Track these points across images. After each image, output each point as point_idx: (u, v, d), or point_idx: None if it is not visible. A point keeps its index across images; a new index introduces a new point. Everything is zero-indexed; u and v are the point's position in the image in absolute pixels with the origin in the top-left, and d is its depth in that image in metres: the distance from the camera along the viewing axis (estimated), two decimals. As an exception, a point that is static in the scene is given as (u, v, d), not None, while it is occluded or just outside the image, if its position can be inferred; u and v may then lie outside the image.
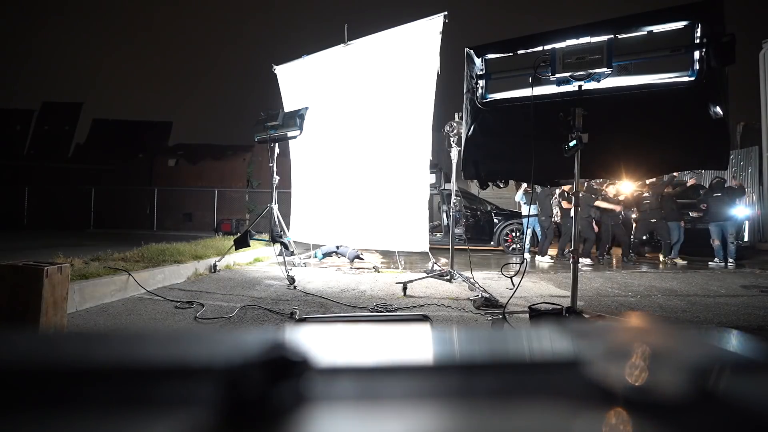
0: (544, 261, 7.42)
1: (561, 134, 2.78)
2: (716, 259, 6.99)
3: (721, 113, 2.65)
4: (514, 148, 3.46)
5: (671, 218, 7.37)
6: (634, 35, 2.79)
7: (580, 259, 6.90)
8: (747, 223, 9.73)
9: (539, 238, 7.91)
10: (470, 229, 8.97)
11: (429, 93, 5.14)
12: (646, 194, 7.50)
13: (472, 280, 4.36)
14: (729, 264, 6.68)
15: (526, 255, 7.71)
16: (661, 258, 7.45)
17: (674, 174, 7.98)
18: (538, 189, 7.49)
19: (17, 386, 0.28)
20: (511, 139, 3.44)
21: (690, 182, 8.66)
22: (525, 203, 7.73)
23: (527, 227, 7.90)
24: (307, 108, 5.04)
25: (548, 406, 0.28)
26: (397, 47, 5.51)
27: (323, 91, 6.29)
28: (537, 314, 2.97)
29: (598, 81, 2.71)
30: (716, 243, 7.03)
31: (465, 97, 3.43)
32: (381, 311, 3.43)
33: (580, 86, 2.75)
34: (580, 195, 7.15)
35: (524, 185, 7.64)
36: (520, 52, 3.17)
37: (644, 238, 8.04)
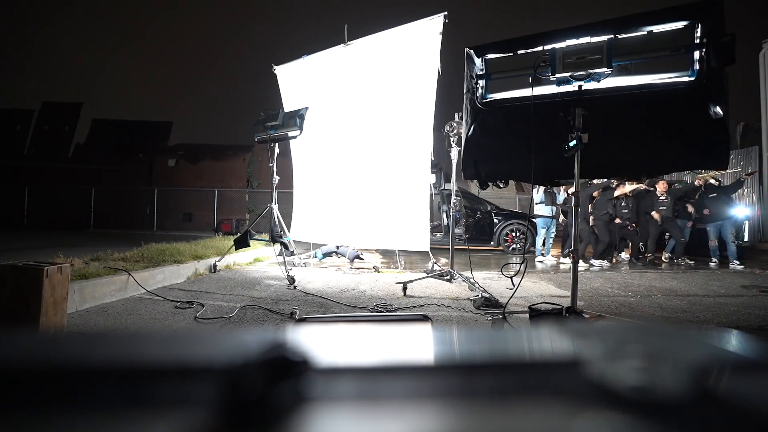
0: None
1: (561, 134, 2.78)
2: (713, 259, 7.01)
3: (721, 113, 2.65)
4: (514, 148, 3.46)
5: (683, 217, 7.42)
6: (634, 35, 2.79)
7: (596, 262, 6.94)
8: (747, 223, 9.71)
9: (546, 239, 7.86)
10: (470, 229, 8.97)
11: (429, 93, 5.14)
12: (662, 197, 7.32)
13: (472, 280, 4.36)
14: (736, 266, 6.62)
15: (540, 255, 7.70)
16: (665, 257, 7.41)
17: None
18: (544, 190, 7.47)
19: (17, 386, 0.28)
20: (511, 139, 3.44)
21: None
22: (544, 203, 7.52)
23: (542, 227, 7.71)
24: (307, 108, 5.04)
25: (548, 406, 0.28)
26: (398, 47, 5.51)
27: (323, 91, 6.29)
28: (537, 314, 2.97)
29: (598, 81, 2.71)
30: (714, 243, 7.03)
31: (465, 97, 3.43)
32: (381, 311, 3.43)
33: (580, 86, 2.75)
34: (596, 197, 7.17)
35: (542, 187, 7.48)
36: (520, 52, 3.17)
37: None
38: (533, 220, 7.86)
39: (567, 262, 7.20)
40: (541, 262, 7.43)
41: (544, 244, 7.79)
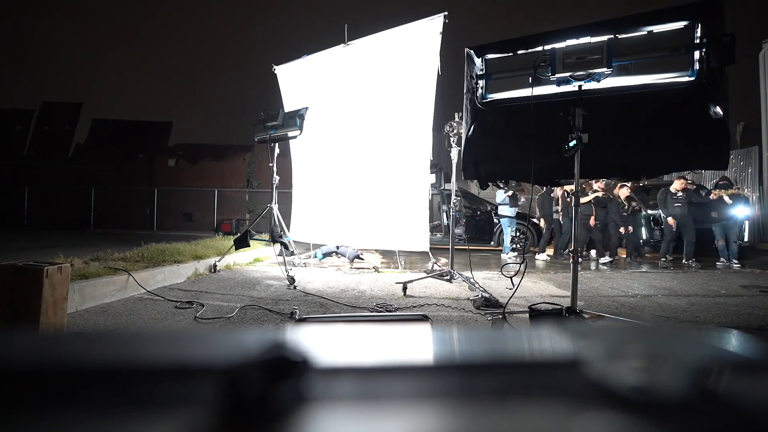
0: (540, 259, 7.55)
1: (561, 134, 2.78)
2: (722, 259, 6.98)
3: (721, 113, 2.65)
4: (514, 148, 3.46)
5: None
6: (634, 35, 2.79)
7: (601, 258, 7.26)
8: (747, 223, 9.70)
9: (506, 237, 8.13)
10: (470, 229, 8.98)
11: (429, 93, 5.14)
12: (680, 194, 7.19)
13: (472, 280, 4.36)
14: (734, 265, 6.66)
15: (505, 255, 7.90)
16: (684, 260, 7.19)
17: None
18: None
19: (17, 386, 0.28)
20: (511, 139, 3.44)
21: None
22: (508, 205, 7.87)
23: (508, 227, 8.09)
24: (307, 108, 5.04)
25: (548, 406, 0.28)
26: (398, 47, 5.51)
27: (323, 91, 6.29)
28: (537, 314, 2.97)
29: (598, 81, 2.71)
30: (720, 243, 7.01)
31: (465, 97, 3.43)
32: (381, 311, 3.43)
33: (580, 86, 2.75)
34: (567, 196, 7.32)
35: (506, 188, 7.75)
36: (520, 52, 3.17)
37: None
38: (500, 220, 8.26)
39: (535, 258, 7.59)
40: (540, 259, 7.54)
41: (501, 242, 8.19)
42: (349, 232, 6.05)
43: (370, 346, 0.40)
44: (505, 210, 7.91)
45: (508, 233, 8.08)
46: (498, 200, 8.02)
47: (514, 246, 8.98)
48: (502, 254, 8.12)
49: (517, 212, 9.94)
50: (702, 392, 0.28)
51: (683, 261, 7.06)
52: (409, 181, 5.41)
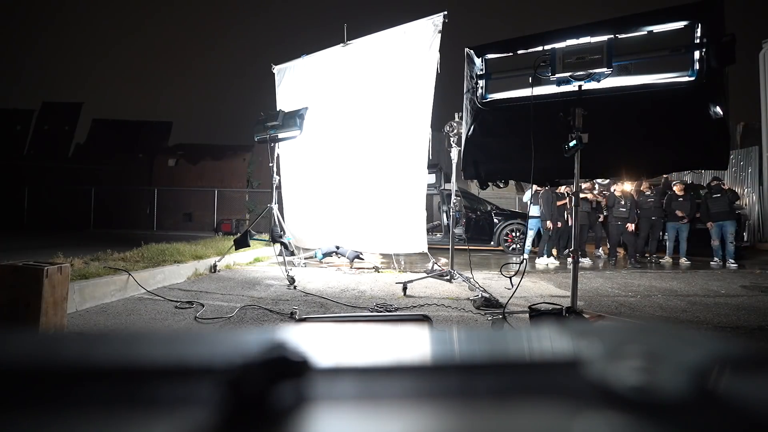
0: (548, 262, 7.42)
1: (561, 134, 2.78)
2: (715, 258, 7.02)
3: (721, 113, 2.66)
4: (514, 148, 3.46)
5: (672, 218, 7.47)
6: (634, 35, 2.79)
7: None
8: (747, 223, 9.70)
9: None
10: (470, 229, 8.97)
11: (428, 93, 5.13)
12: (648, 192, 7.56)
13: (472, 280, 4.36)
14: (731, 264, 6.68)
15: (525, 255, 7.74)
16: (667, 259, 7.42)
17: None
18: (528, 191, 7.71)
19: (17, 386, 0.28)
20: (511, 139, 3.44)
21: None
22: (537, 205, 7.74)
23: (530, 228, 7.90)
24: (306, 108, 5.04)
25: (548, 406, 0.28)
26: (397, 47, 5.50)
27: (322, 91, 6.27)
28: (537, 314, 2.97)
29: (598, 81, 2.71)
30: (716, 243, 7.06)
31: (465, 97, 3.43)
32: (381, 311, 3.43)
33: (580, 86, 2.75)
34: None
35: (534, 187, 7.68)
36: (520, 52, 3.17)
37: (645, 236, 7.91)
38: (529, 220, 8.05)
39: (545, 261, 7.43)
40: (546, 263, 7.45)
41: (533, 244, 7.89)
42: (346, 236, 6.01)
43: (370, 346, 0.40)
44: (535, 210, 7.70)
45: (530, 235, 7.91)
46: (525, 200, 7.90)
47: (514, 246, 8.97)
48: (538, 258, 7.80)
49: (513, 211, 9.91)
50: (702, 392, 0.28)
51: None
52: (406, 181, 5.38)
